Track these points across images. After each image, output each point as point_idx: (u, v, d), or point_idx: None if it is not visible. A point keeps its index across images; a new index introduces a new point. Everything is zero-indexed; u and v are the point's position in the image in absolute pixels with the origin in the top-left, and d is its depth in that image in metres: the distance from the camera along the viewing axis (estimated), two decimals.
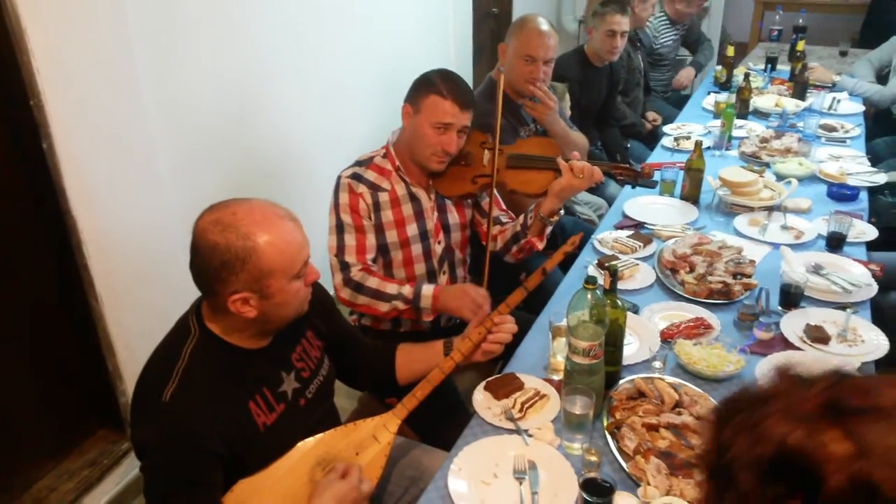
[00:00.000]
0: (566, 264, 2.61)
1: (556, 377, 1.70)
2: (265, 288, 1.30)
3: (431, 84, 1.92)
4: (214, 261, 1.27)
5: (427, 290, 1.92)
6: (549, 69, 2.47)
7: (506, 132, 2.39)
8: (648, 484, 1.37)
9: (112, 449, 2.38)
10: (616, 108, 3.66)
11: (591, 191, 3.28)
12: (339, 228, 1.96)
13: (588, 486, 1.30)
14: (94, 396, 2.36)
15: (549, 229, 2.05)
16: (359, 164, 2.01)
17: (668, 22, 4.25)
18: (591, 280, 1.46)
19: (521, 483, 1.42)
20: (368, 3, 3.41)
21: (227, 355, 1.37)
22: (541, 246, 2.06)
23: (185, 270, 2.47)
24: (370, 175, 1.98)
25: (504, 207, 2.21)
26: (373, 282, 1.93)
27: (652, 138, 3.97)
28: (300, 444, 1.43)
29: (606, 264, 1.57)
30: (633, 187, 2.15)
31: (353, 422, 1.50)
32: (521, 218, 2.07)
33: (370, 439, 1.49)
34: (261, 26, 2.73)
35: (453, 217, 2.10)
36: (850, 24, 6.26)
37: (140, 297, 2.34)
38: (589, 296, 1.47)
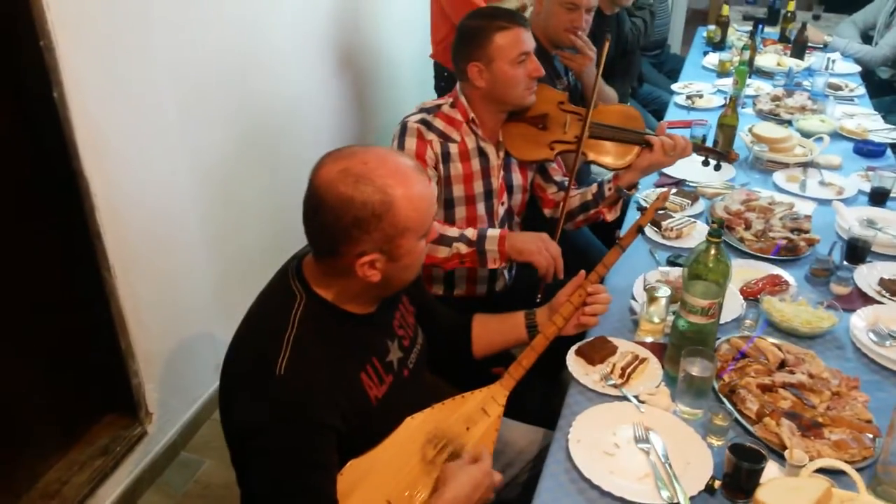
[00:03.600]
0: (604, 228, 2.52)
1: (648, 339, 1.60)
2: (396, 248, 1.15)
3: (485, 28, 1.76)
4: (346, 217, 1.11)
5: (493, 232, 1.77)
6: (591, 18, 2.34)
7: (544, 83, 2.26)
8: (784, 447, 1.29)
9: (124, 434, 2.17)
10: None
11: None
12: None
13: (739, 451, 1.20)
14: (102, 378, 2.13)
15: (621, 201, 1.96)
16: (425, 111, 1.84)
17: None
18: (716, 233, 1.36)
19: (647, 453, 1.31)
20: None
21: (338, 322, 1.21)
22: (610, 217, 1.96)
23: (197, 236, 2.26)
24: (439, 123, 1.83)
25: (566, 172, 2.09)
26: (453, 231, 1.78)
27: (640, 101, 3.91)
28: (407, 420, 1.28)
29: (713, 219, 1.47)
30: (717, 169, 2.13)
31: (460, 395, 1.37)
32: (594, 187, 1.96)
33: (480, 413, 1.36)
34: None
35: (517, 178, 1.96)
36: None
37: (152, 268, 2.13)
38: (713, 250, 1.36)
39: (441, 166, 1.82)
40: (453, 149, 1.83)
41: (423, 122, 1.81)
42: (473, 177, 1.86)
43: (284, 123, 2.72)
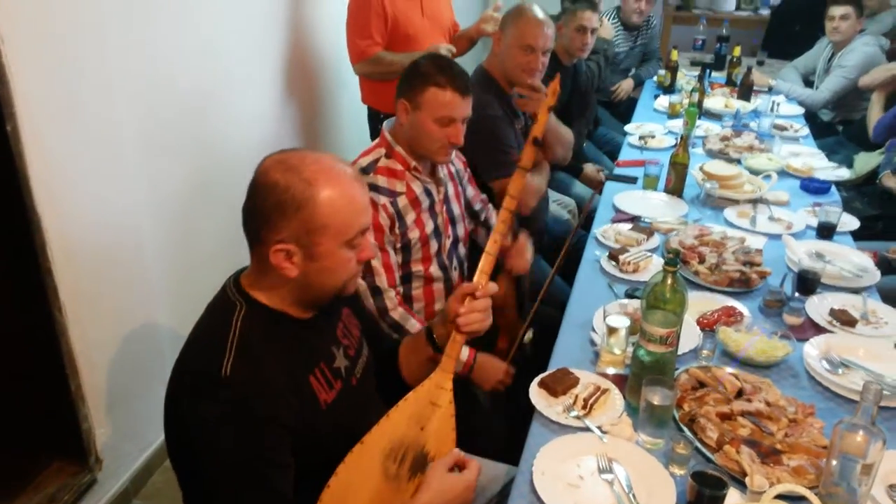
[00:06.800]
0: (573, 263, 2.56)
1: (610, 370, 1.61)
2: (313, 245, 1.17)
3: (426, 75, 1.77)
4: (269, 200, 1.15)
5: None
6: (546, 60, 2.40)
7: (503, 122, 2.33)
8: (745, 474, 1.30)
9: (73, 482, 2.08)
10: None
11: (559, 189, 3.25)
12: None
13: (701, 479, 1.21)
14: (50, 423, 2.05)
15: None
16: (362, 171, 1.83)
17: (622, 28, 4.29)
18: (672, 263, 1.39)
19: (611, 484, 1.31)
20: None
21: (280, 325, 1.23)
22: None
23: (153, 273, 2.23)
24: (382, 181, 1.83)
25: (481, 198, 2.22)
26: (412, 325, 1.81)
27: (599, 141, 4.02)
28: (357, 446, 1.25)
29: (669, 249, 1.50)
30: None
31: (402, 399, 1.32)
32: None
33: (429, 407, 1.32)
34: (230, 25, 2.51)
35: (456, 208, 2.03)
36: (749, 37, 6.61)
37: (105, 307, 2.07)
38: (670, 280, 1.39)
39: (397, 224, 1.82)
40: (402, 201, 1.84)
41: (369, 186, 1.77)
42: (423, 218, 1.88)
43: (243, 158, 2.70)
